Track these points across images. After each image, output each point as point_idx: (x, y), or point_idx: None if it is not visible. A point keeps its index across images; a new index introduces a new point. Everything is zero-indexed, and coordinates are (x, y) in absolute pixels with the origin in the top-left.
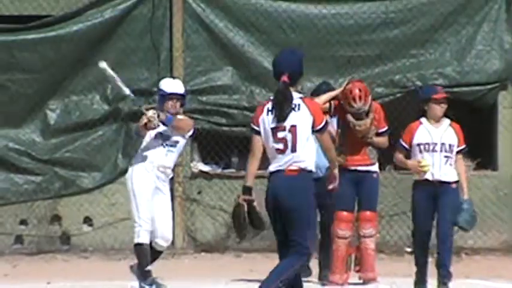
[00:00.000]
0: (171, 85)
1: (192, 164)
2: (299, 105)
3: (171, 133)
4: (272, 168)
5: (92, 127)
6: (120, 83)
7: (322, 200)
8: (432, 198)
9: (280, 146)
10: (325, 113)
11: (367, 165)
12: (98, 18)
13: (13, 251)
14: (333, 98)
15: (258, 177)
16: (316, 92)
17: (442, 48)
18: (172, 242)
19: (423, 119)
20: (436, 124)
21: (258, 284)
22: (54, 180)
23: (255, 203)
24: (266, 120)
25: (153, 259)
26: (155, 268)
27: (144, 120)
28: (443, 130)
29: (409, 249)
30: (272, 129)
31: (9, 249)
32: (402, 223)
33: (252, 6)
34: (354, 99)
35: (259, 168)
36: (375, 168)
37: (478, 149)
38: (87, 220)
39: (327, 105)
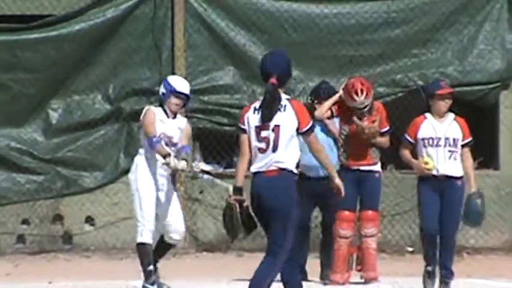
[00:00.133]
0: (181, 84)
1: (193, 164)
2: (285, 106)
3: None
4: (253, 169)
5: (94, 126)
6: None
7: (324, 200)
8: (438, 192)
9: (263, 145)
10: (329, 118)
11: (370, 164)
12: (100, 17)
13: (15, 251)
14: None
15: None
16: (316, 91)
17: (444, 47)
18: None
19: (428, 114)
20: (440, 119)
21: None
22: (56, 180)
23: (246, 203)
24: (251, 118)
25: (164, 253)
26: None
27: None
28: (447, 125)
29: (410, 249)
30: (256, 127)
31: (11, 249)
32: (404, 222)
33: (254, 5)
34: (356, 93)
35: None
36: (377, 167)
37: (480, 149)
38: (89, 219)
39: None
